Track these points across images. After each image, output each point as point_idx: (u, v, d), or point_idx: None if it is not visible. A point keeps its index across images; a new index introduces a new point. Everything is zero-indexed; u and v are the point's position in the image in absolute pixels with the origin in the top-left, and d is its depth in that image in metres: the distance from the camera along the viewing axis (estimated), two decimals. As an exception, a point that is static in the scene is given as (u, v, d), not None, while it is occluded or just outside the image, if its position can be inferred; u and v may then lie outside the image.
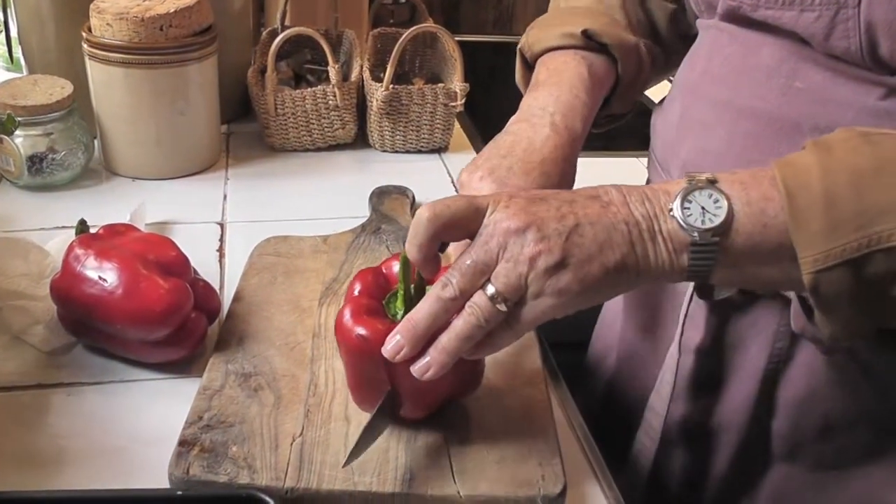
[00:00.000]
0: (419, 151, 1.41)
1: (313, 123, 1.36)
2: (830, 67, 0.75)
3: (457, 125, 1.47)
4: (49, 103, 1.17)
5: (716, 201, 0.63)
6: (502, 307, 0.65)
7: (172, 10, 1.18)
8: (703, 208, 0.63)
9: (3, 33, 1.52)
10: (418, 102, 1.37)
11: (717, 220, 0.63)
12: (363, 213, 1.17)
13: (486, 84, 1.68)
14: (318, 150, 1.39)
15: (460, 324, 0.66)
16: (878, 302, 0.63)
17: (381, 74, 1.35)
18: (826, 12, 0.72)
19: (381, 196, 1.19)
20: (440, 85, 1.38)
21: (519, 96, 1.01)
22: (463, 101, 1.37)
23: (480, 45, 1.79)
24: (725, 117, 0.84)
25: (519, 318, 0.66)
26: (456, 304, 0.66)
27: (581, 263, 0.64)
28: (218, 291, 0.96)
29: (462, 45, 1.42)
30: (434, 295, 0.67)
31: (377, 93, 1.34)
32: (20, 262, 0.95)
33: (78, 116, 1.22)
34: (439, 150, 1.43)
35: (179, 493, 0.70)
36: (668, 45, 1.04)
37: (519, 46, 1.04)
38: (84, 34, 1.21)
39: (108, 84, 1.22)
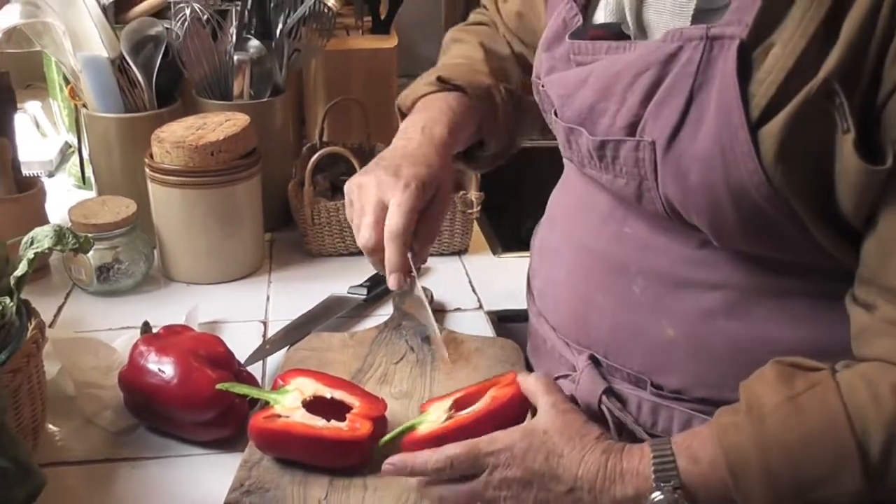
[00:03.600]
0: (441, 254, 1.53)
1: (346, 231, 1.50)
2: (652, 218, 0.85)
3: (476, 228, 1.60)
4: (116, 221, 1.34)
5: None
6: None
7: (222, 138, 1.36)
8: None
9: (77, 156, 1.72)
10: (439, 210, 1.51)
11: None
12: (387, 311, 1.32)
13: (505, 186, 1.79)
14: (352, 254, 1.51)
15: None
16: None
17: (408, 185, 1.49)
18: (632, 181, 0.82)
19: (402, 296, 1.31)
20: (459, 193, 1.51)
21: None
22: (479, 207, 1.51)
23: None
24: (568, 251, 0.97)
25: None
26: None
27: None
28: (260, 381, 1.11)
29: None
30: (432, 468, 0.83)
31: (402, 203, 1.49)
32: (91, 357, 1.11)
33: (140, 230, 1.39)
34: (459, 252, 1.55)
35: (224, 546, 0.85)
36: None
37: (396, 104, 1.16)
38: (146, 160, 1.39)
39: (166, 202, 1.39)
